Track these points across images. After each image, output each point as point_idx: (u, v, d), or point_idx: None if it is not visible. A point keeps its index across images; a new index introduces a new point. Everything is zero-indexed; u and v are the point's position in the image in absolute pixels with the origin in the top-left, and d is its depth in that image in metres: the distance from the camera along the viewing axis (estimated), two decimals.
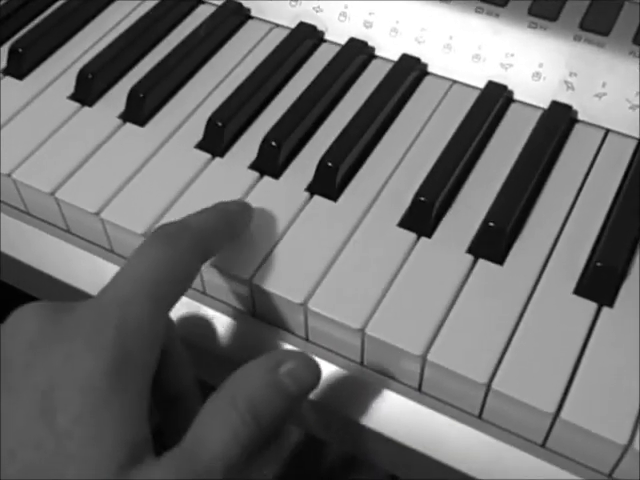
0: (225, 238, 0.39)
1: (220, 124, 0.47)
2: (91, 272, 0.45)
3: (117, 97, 0.50)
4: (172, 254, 0.35)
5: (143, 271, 0.34)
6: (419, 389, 0.39)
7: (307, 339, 0.41)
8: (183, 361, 0.39)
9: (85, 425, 0.30)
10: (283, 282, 0.40)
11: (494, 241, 0.41)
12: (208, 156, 0.46)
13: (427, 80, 0.51)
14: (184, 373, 0.38)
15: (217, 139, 0.47)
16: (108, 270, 0.44)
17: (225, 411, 0.32)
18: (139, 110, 0.49)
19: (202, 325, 0.43)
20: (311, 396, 0.38)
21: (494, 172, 0.45)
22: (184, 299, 0.43)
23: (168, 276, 0.34)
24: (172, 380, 0.38)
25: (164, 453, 0.31)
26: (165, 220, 0.43)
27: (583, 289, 0.39)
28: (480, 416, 0.38)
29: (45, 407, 0.30)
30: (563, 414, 0.35)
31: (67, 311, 0.33)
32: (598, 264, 0.39)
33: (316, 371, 0.35)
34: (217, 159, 0.46)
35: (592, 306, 0.39)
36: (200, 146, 0.47)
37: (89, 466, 0.29)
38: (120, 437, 0.30)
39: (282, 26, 0.55)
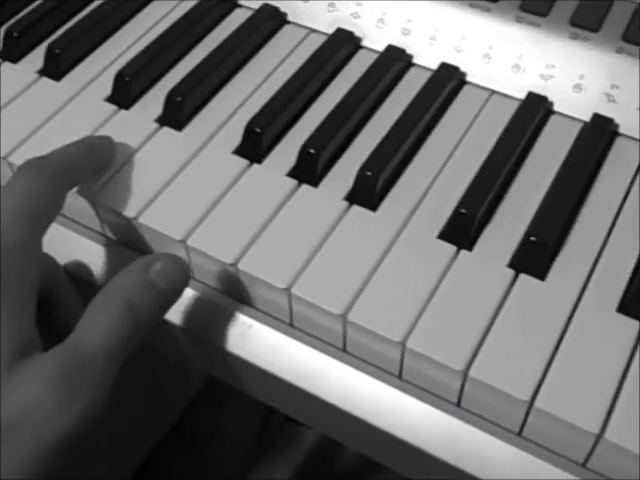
0: (88, 167, 0.43)
1: (258, 130, 0.46)
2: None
3: (154, 100, 0.50)
4: (39, 182, 0.39)
5: (15, 200, 0.37)
6: (458, 404, 0.39)
7: (344, 350, 0.41)
8: (71, 298, 0.43)
9: None
10: (322, 292, 0.40)
11: (536, 255, 0.40)
12: (246, 162, 0.46)
13: (466, 89, 0.51)
14: (73, 310, 0.42)
15: (255, 145, 0.46)
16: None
17: (105, 307, 0.36)
18: (176, 114, 0.49)
19: (238, 332, 0.42)
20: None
21: (535, 185, 0.44)
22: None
23: (39, 202, 0.38)
24: (62, 317, 0.42)
25: (50, 349, 0.34)
26: (203, 227, 0.43)
27: (625, 306, 0.39)
28: (520, 434, 0.38)
29: None
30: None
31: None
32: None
33: (184, 269, 0.39)
34: (255, 165, 0.46)
35: (635, 324, 0.38)
36: (238, 152, 0.47)
37: None
38: (6, 334, 0.33)
39: (319, 32, 0.55)
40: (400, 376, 0.40)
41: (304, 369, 0.41)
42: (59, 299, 0.43)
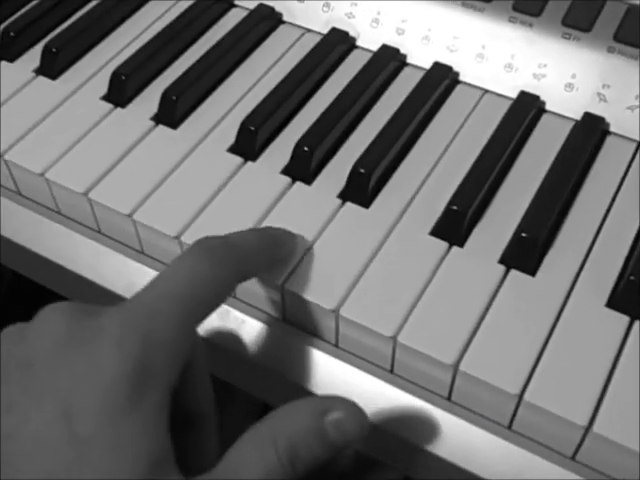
0: (266, 262, 0.39)
1: (253, 128, 0.47)
2: (121, 273, 0.45)
3: (150, 99, 0.51)
4: (210, 270, 0.34)
5: (178, 283, 0.33)
6: (449, 398, 0.39)
7: (337, 345, 0.41)
8: (204, 380, 0.37)
9: (104, 434, 0.29)
10: (315, 288, 0.40)
11: (526, 252, 0.41)
12: (240, 160, 0.46)
13: (459, 89, 0.51)
14: (203, 393, 0.37)
15: (250, 143, 0.47)
16: (138, 271, 0.45)
17: (264, 447, 0.32)
18: (171, 112, 0.49)
19: (231, 328, 0.43)
20: None
21: (526, 182, 0.45)
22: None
23: (202, 293, 0.34)
24: (190, 398, 0.36)
25: (193, 478, 0.31)
26: (196, 223, 0.43)
27: (615, 301, 0.39)
28: (510, 427, 0.38)
29: (66, 412, 0.30)
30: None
31: (95, 315, 0.33)
32: (631, 278, 0.39)
33: (363, 423, 0.33)
34: (249, 163, 0.46)
35: (624, 319, 0.39)
36: (232, 150, 0.47)
37: (108, 477, 0.29)
38: (139, 449, 0.30)
39: (314, 31, 0.55)
40: (392, 370, 0.40)
41: (298, 364, 0.41)
42: (192, 378, 0.36)
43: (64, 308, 0.33)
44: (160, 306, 0.32)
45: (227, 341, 0.42)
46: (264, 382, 0.43)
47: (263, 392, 0.45)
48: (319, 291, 0.40)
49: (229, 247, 0.36)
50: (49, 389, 0.30)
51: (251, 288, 0.42)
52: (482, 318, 0.39)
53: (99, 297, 0.46)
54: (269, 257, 0.39)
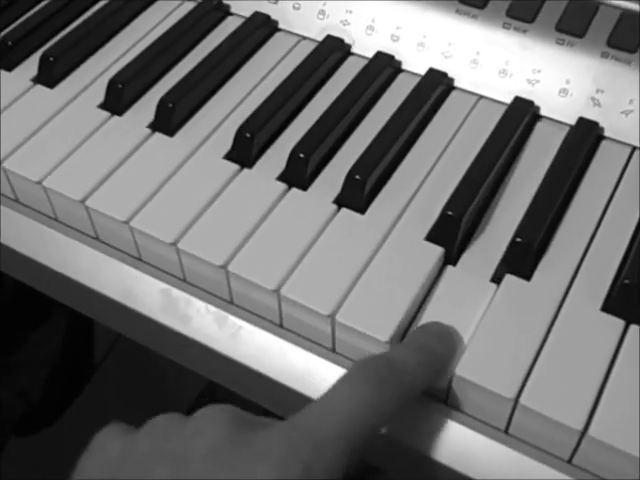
0: (429, 380, 0.37)
1: (249, 135, 0.47)
2: (119, 279, 0.46)
3: (146, 107, 0.51)
4: (378, 402, 0.33)
5: (345, 414, 0.32)
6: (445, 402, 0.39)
7: (334, 350, 0.41)
8: None
9: None
10: (310, 293, 0.40)
11: (522, 256, 0.41)
12: (237, 167, 0.47)
13: (454, 95, 0.51)
14: None
15: (246, 150, 0.47)
16: (135, 278, 0.45)
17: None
18: (168, 120, 0.49)
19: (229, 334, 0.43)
20: None
21: (521, 188, 0.45)
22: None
23: (367, 419, 0.32)
24: None
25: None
26: (195, 230, 0.43)
27: (610, 305, 0.39)
28: (507, 431, 0.38)
29: None
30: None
31: (256, 429, 0.32)
32: (626, 281, 0.39)
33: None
34: (245, 170, 0.47)
35: (619, 322, 0.39)
36: (229, 157, 0.47)
37: None
38: None
39: (309, 39, 0.55)
40: None
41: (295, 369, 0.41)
42: None
43: (227, 413, 0.33)
44: (326, 436, 0.31)
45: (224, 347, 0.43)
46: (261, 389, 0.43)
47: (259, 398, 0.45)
48: (314, 296, 0.40)
49: (393, 369, 0.34)
50: None
51: (245, 293, 0.42)
52: (478, 322, 0.39)
53: (97, 303, 0.46)
54: (433, 374, 0.37)
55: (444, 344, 0.38)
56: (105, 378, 0.88)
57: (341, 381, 0.34)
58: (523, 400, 0.36)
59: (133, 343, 0.49)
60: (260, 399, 0.44)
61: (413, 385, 0.35)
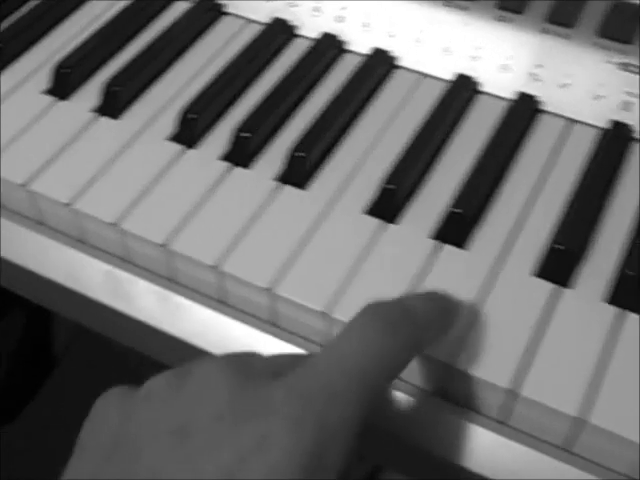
0: (439, 331, 0.36)
1: (193, 116, 0.47)
2: (62, 263, 0.46)
3: (92, 91, 0.51)
4: (391, 347, 0.31)
5: (357, 360, 0.30)
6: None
7: (274, 324, 0.42)
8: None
9: None
10: (250, 268, 0.41)
11: (457, 226, 0.41)
12: (180, 147, 0.47)
13: (398, 73, 0.52)
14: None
15: (189, 131, 0.47)
16: (78, 260, 0.45)
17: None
18: (114, 103, 0.49)
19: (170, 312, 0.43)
20: None
21: (460, 160, 0.46)
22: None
23: (381, 367, 0.31)
24: None
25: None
26: (137, 210, 0.43)
27: (542, 271, 0.40)
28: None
29: None
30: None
31: (264, 382, 0.30)
32: (556, 246, 0.40)
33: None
34: (189, 150, 0.47)
35: (550, 287, 0.39)
36: (173, 138, 0.48)
37: None
38: None
39: (256, 22, 0.56)
40: None
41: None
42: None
43: (226, 368, 0.31)
44: (339, 385, 0.30)
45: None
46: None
47: None
48: (254, 271, 0.40)
49: (410, 319, 0.33)
50: (211, 463, 0.28)
51: (188, 271, 0.42)
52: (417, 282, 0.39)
53: (41, 287, 0.46)
54: (443, 326, 0.36)
55: (449, 301, 0.37)
56: (66, 371, 0.88)
57: (350, 326, 0.32)
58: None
59: (94, 335, 0.49)
60: None
61: (427, 330, 0.34)
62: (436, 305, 0.36)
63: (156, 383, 0.32)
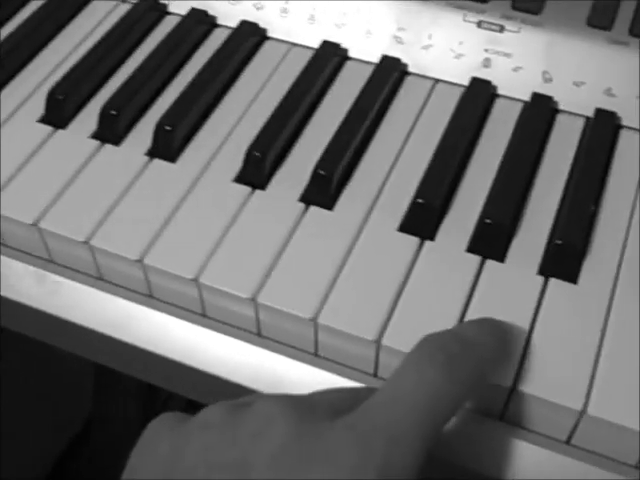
0: (499, 363, 0.34)
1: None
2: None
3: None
4: (451, 383, 0.30)
5: (418, 401, 0.29)
6: (259, 334, 0.41)
7: (151, 295, 0.43)
8: None
9: None
10: (120, 241, 0.41)
11: (322, 188, 0.43)
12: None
13: (267, 44, 0.53)
14: None
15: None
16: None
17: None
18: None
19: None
20: None
21: (328, 125, 0.47)
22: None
23: (443, 412, 0.30)
24: None
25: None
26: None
27: (405, 226, 0.42)
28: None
29: None
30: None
31: (324, 426, 0.29)
32: (419, 200, 0.41)
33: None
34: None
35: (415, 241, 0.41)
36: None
37: None
38: None
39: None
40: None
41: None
42: None
43: (285, 407, 0.30)
44: (400, 429, 0.28)
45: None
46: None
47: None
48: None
49: (464, 343, 0.31)
50: None
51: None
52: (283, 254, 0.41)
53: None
54: (502, 357, 0.34)
55: (504, 327, 0.36)
56: (2, 376, 0.86)
57: (407, 365, 0.31)
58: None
59: (29, 339, 0.48)
60: (90, 354, 0.45)
61: (486, 360, 0.32)
62: (492, 332, 0.34)
63: (213, 413, 0.31)
